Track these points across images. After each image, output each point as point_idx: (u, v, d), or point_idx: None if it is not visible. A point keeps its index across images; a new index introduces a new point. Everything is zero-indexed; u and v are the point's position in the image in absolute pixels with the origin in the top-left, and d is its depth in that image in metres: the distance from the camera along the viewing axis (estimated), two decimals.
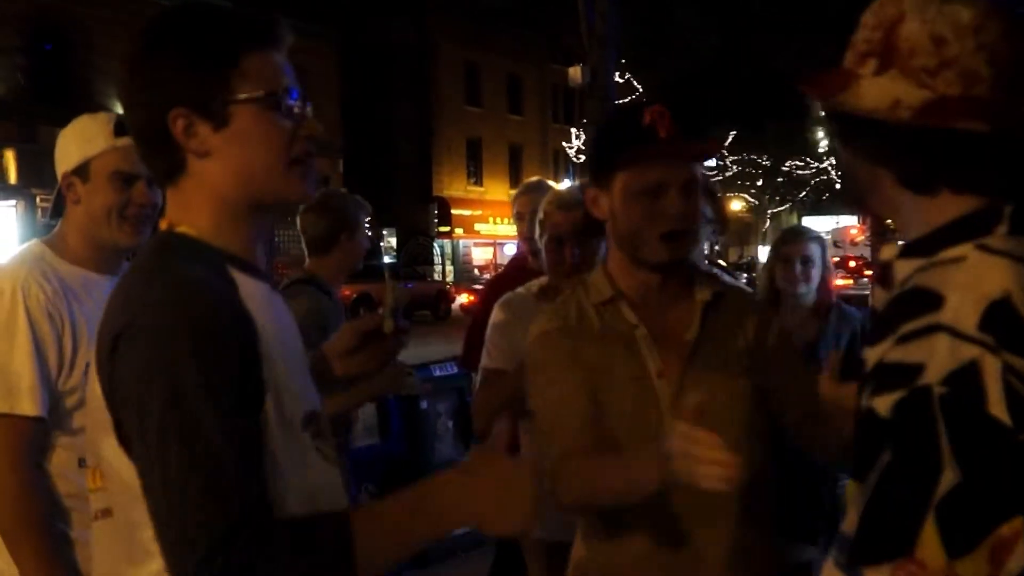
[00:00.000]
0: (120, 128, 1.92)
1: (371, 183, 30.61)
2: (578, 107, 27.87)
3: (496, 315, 2.65)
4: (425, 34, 31.61)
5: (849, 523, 0.88)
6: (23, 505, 1.79)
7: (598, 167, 1.71)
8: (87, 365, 1.79)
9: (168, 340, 1.02)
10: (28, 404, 1.80)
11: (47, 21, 20.43)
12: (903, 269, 0.98)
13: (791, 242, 3.44)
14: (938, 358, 0.84)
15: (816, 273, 3.37)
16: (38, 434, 1.83)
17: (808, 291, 3.37)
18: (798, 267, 3.35)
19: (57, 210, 2.03)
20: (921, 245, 0.97)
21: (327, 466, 1.18)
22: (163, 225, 1.19)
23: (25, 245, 2.00)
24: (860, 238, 33.19)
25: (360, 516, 1.06)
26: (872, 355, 0.92)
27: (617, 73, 11.79)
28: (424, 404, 5.12)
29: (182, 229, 1.17)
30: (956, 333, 0.84)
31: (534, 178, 3.85)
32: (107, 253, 1.99)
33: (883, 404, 0.86)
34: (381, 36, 31.10)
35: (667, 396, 1.64)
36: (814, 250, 3.37)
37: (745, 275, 18.35)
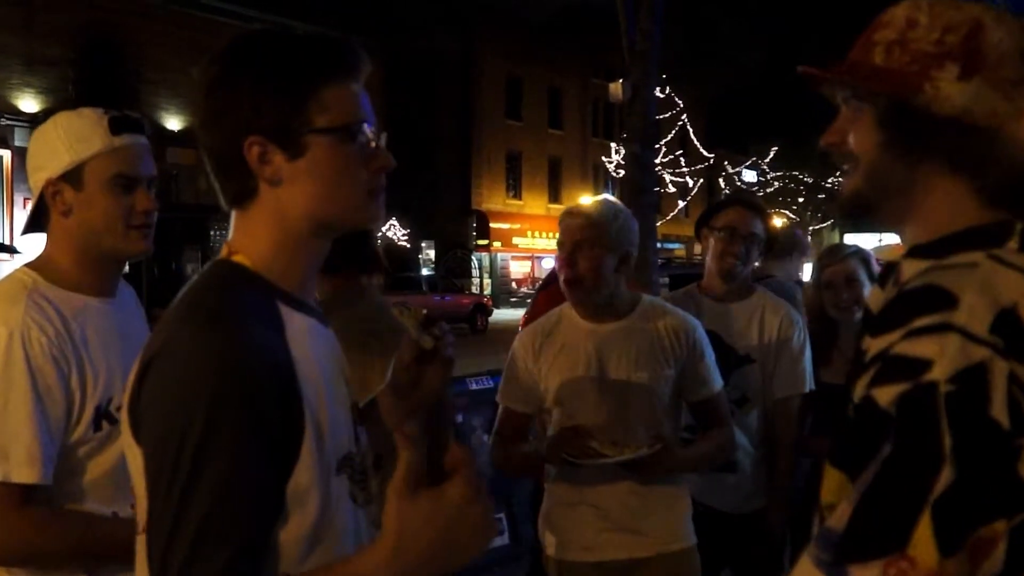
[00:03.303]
0: (117, 124, 1.69)
1: (411, 196, 30.83)
2: (618, 121, 27.84)
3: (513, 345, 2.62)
4: (468, 48, 31.82)
5: (837, 518, 0.85)
6: (50, 538, 1.58)
7: None
8: (95, 410, 1.64)
9: (192, 379, 1.01)
10: (25, 471, 1.53)
11: (98, 34, 20.89)
12: (910, 268, 1.00)
13: (829, 263, 3.10)
14: (948, 356, 0.84)
15: (867, 293, 2.92)
16: (37, 503, 1.57)
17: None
18: (844, 290, 3.03)
19: (35, 225, 1.75)
20: (932, 248, 1.00)
21: (355, 508, 1.18)
22: (224, 251, 1.18)
23: (9, 274, 1.72)
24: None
25: None
26: (874, 345, 0.92)
27: (658, 88, 11.76)
28: (459, 418, 5.12)
29: (239, 258, 1.16)
30: (968, 334, 0.85)
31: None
32: (105, 271, 1.75)
33: (885, 395, 0.86)
34: (424, 49, 31.35)
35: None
36: (857, 267, 3.04)
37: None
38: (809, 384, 2.99)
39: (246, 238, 1.17)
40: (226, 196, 1.19)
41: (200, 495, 0.98)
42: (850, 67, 1.07)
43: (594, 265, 2.36)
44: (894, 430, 0.84)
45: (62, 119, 1.70)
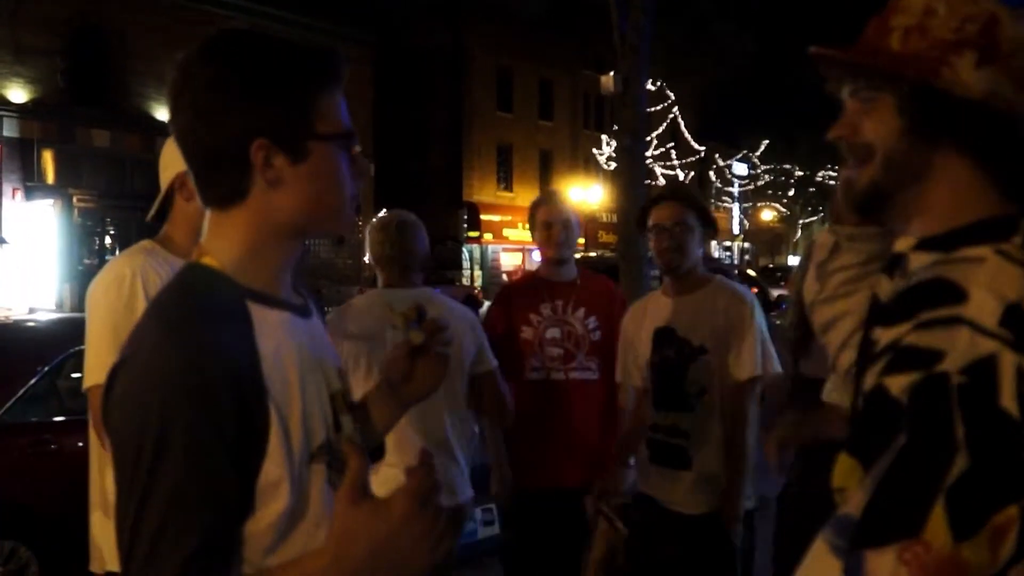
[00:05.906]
0: None
1: (402, 187, 30.79)
2: (609, 114, 27.84)
3: None
4: (459, 40, 31.73)
5: (854, 506, 0.89)
6: None
7: None
8: None
9: (148, 385, 1.04)
10: None
11: (87, 24, 20.75)
12: (918, 260, 1.03)
13: None
14: (959, 348, 0.87)
15: None
16: None
17: None
18: None
19: (160, 215, 2.24)
20: (940, 241, 1.03)
21: (333, 494, 1.18)
22: (196, 253, 1.20)
23: (137, 244, 2.27)
24: None
25: None
26: (885, 335, 0.96)
27: (649, 81, 11.76)
28: None
29: (207, 260, 1.18)
30: (978, 327, 0.88)
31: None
32: None
33: (897, 384, 0.90)
34: (415, 41, 31.26)
35: None
36: None
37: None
38: (761, 368, 2.87)
39: (218, 239, 1.18)
40: (208, 195, 1.19)
41: (156, 497, 1.01)
42: (870, 51, 1.08)
43: None
44: (908, 419, 0.87)
45: None
